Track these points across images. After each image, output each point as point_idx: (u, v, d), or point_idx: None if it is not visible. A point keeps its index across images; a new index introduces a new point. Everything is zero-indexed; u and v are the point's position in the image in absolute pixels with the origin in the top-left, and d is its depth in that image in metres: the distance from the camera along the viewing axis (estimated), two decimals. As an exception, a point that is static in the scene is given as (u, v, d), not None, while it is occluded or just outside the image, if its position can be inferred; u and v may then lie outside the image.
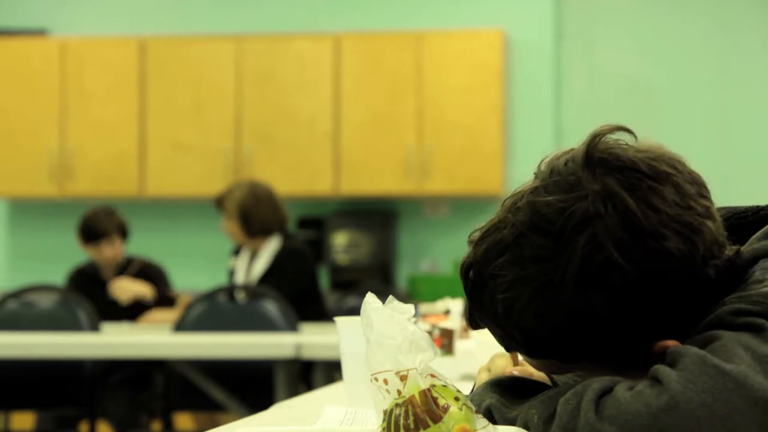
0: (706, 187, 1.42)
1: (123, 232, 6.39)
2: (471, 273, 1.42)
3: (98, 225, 6.29)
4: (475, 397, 1.44)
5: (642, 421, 1.26)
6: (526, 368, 1.58)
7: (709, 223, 1.39)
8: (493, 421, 1.37)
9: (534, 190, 1.39)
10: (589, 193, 1.36)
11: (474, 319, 1.46)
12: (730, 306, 1.36)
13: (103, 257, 6.32)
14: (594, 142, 1.39)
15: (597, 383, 1.32)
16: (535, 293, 1.37)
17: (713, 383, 1.26)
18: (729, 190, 7.26)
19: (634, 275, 1.35)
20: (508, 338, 1.42)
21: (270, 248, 6.07)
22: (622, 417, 1.27)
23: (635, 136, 1.41)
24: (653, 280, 1.35)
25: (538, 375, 1.57)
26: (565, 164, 1.40)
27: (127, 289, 6.19)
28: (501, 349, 1.53)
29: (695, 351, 1.30)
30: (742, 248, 1.45)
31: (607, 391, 1.31)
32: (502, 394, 1.42)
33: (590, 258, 1.35)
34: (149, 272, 6.45)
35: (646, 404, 1.26)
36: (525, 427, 1.35)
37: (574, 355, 1.41)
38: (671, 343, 1.38)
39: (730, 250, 1.44)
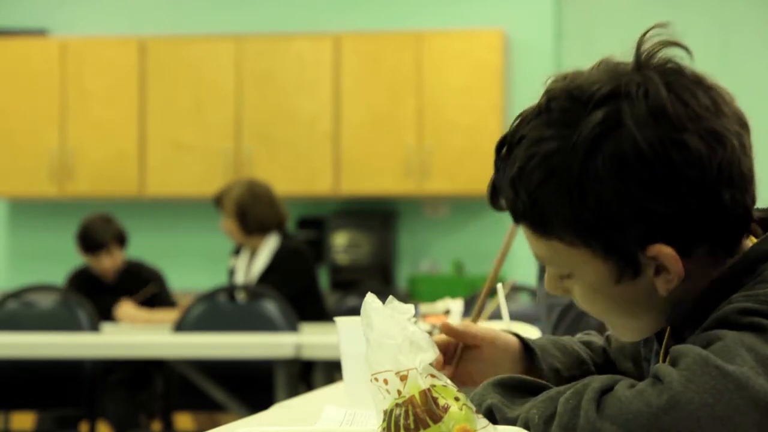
0: (746, 124, 1.44)
1: (121, 241, 6.38)
2: (504, 141, 1.46)
3: (96, 236, 6.28)
4: (476, 396, 1.43)
5: (643, 420, 1.25)
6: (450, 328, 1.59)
7: (737, 146, 1.40)
8: (494, 420, 1.37)
9: (581, 71, 1.46)
10: (626, 76, 1.41)
11: (495, 193, 1.48)
12: (737, 304, 1.35)
13: (101, 267, 6.33)
14: (650, 49, 1.45)
15: (597, 382, 1.32)
16: (549, 153, 1.40)
17: (714, 383, 1.26)
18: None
19: (646, 154, 1.37)
20: (517, 204, 1.44)
21: (269, 247, 6.06)
22: (622, 416, 1.26)
23: (690, 54, 1.47)
24: (664, 167, 1.37)
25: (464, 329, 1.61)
26: (617, 61, 1.47)
27: (132, 316, 6.18)
28: None
29: (698, 351, 1.29)
30: (755, 244, 1.45)
31: (607, 390, 1.30)
32: (504, 394, 1.42)
33: (608, 127, 1.38)
34: (147, 277, 6.44)
35: (647, 403, 1.26)
36: (525, 427, 1.35)
37: (570, 232, 1.41)
38: (666, 249, 1.39)
39: (749, 242, 1.45)
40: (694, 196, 1.38)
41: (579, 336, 1.81)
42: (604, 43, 8.76)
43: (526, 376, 1.46)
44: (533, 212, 1.43)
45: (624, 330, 1.53)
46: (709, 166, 1.38)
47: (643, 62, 1.43)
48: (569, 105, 1.41)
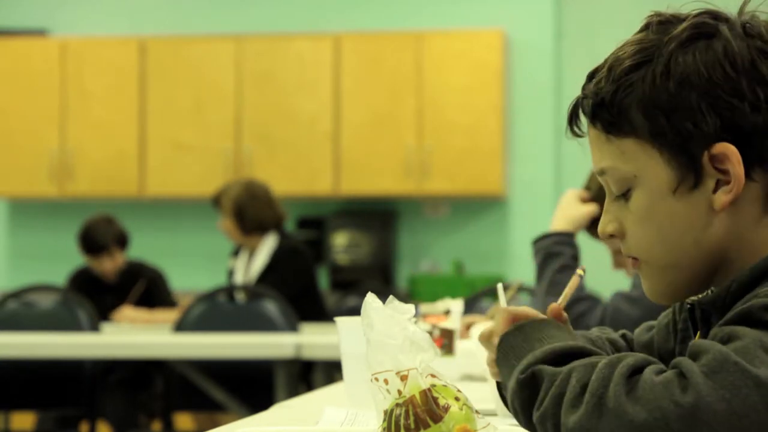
0: None
1: (122, 242, 6.39)
2: (599, 66, 1.53)
3: (97, 238, 6.29)
4: (524, 362, 1.41)
5: (664, 411, 1.28)
6: (517, 309, 1.56)
7: None
8: (537, 385, 1.37)
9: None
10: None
11: (575, 113, 1.53)
12: (762, 300, 1.36)
13: (102, 269, 6.34)
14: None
15: (632, 358, 1.33)
16: (645, 46, 1.48)
17: (733, 380, 1.28)
18: None
19: (736, 55, 1.44)
20: (599, 96, 1.49)
21: (267, 247, 6.06)
22: (648, 403, 1.29)
23: None
24: (749, 71, 1.44)
25: (532, 313, 1.57)
26: None
27: (132, 318, 6.18)
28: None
29: (718, 348, 1.31)
30: None
31: (638, 370, 1.32)
32: (552, 361, 1.40)
33: (705, 30, 1.46)
34: (148, 277, 6.44)
35: (671, 394, 1.28)
36: (561, 389, 1.34)
37: (644, 124, 1.46)
38: (732, 148, 1.43)
39: None
40: (761, 114, 1.43)
41: (598, 334, 1.81)
42: (605, 43, 8.75)
43: (576, 343, 1.44)
44: (613, 103, 1.47)
45: (661, 276, 1.52)
46: None
47: (743, 11, 1.51)
48: (671, 17, 1.51)
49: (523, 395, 1.37)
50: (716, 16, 1.48)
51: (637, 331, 1.80)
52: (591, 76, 1.53)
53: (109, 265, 6.32)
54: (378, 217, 8.81)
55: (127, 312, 6.17)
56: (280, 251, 6.05)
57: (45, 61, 8.89)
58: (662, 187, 1.46)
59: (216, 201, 6.21)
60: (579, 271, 1.66)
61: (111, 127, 8.83)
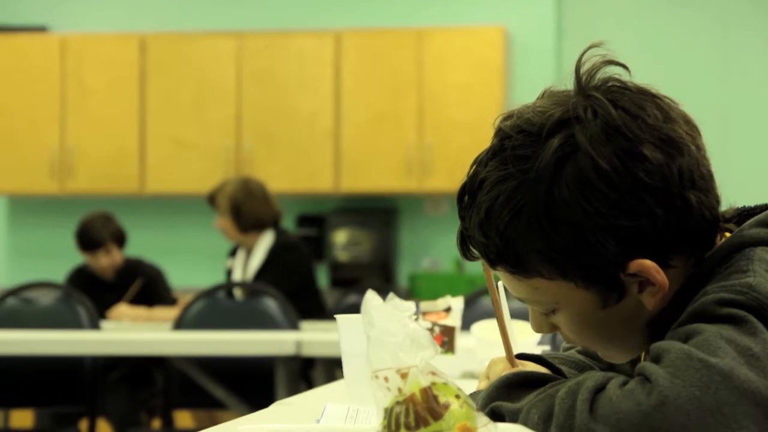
0: (696, 127, 1.46)
1: (120, 240, 6.37)
2: (464, 190, 1.46)
3: (94, 235, 6.27)
4: (482, 397, 1.44)
5: (633, 420, 1.27)
6: (525, 366, 1.58)
7: (693, 150, 1.42)
8: (500, 419, 1.37)
9: (526, 105, 1.45)
10: (572, 101, 1.41)
11: (465, 243, 1.48)
12: (713, 295, 1.36)
13: (99, 266, 6.32)
14: (588, 71, 1.44)
15: (591, 381, 1.33)
16: (513, 191, 1.40)
17: (699, 376, 1.27)
18: (729, 188, 7.22)
19: (607, 171, 1.37)
20: (490, 248, 1.44)
21: (264, 244, 6.05)
22: (614, 416, 1.27)
23: (628, 70, 1.46)
24: (626, 181, 1.38)
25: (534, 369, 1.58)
26: (558, 90, 1.46)
27: (131, 315, 6.17)
28: (500, 350, 1.52)
29: (679, 346, 1.30)
30: (728, 237, 1.46)
31: (600, 389, 1.31)
32: (509, 392, 1.43)
33: (565, 152, 1.39)
34: (147, 274, 6.43)
35: (637, 402, 1.27)
36: (525, 423, 1.35)
37: (548, 266, 1.41)
38: (646, 262, 1.40)
39: (723, 234, 1.46)
40: (660, 206, 1.39)
41: (571, 345, 1.81)
42: (606, 40, 8.75)
43: (531, 371, 1.46)
44: (508, 253, 1.43)
45: (618, 353, 1.54)
46: (670, 173, 1.39)
47: (584, 85, 1.44)
48: (523, 139, 1.41)
49: None
50: (567, 120, 1.41)
51: None
52: (463, 200, 1.46)
53: (106, 261, 6.30)
54: (378, 214, 8.81)
55: (124, 309, 6.16)
56: (277, 247, 6.04)
57: (45, 58, 8.88)
58: (588, 308, 1.45)
59: (211, 199, 6.19)
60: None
61: (111, 125, 8.83)
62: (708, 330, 1.31)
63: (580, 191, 1.38)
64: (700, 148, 1.44)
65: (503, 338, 1.71)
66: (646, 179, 1.38)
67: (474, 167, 1.45)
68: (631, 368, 1.72)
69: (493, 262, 1.46)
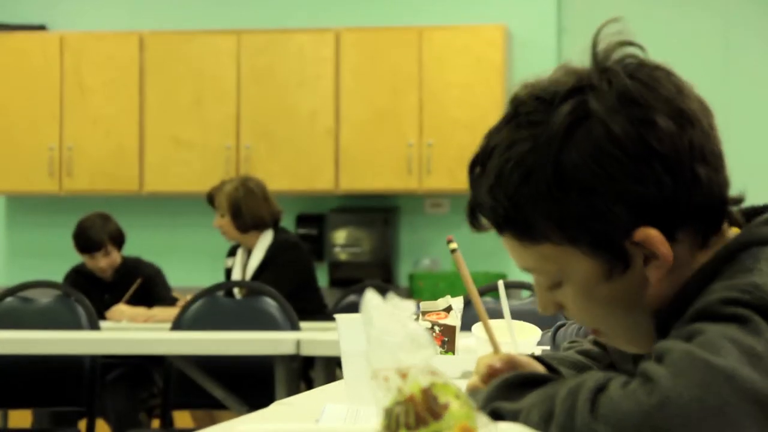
0: (709, 109, 1.46)
1: (118, 240, 6.35)
2: (476, 160, 1.47)
3: (92, 236, 6.25)
4: (482, 397, 1.43)
5: (634, 420, 1.26)
6: (511, 358, 1.59)
7: (706, 126, 1.43)
8: (501, 419, 1.37)
9: (541, 77, 1.47)
10: (588, 72, 1.43)
11: (474, 213, 1.48)
12: (718, 294, 1.35)
13: (98, 267, 6.30)
14: (604, 49, 1.46)
15: (592, 381, 1.32)
16: (524, 154, 1.41)
17: (702, 376, 1.26)
18: (730, 188, 7.21)
19: (618, 136, 1.38)
20: (499, 212, 1.44)
21: (264, 244, 6.04)
22: (615, 416, 1.27)
23: (644, 50, 1.47)
24: (637, 146, 1.38)
25: (525, 361, 1.58)
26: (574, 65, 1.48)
27: (131, 315, 6.16)
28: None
29: (682, 346, 1.29)
30: (737, 235, 1.46)
31: (601, 389, 1.30)
32: (509, 393, 1.42)
33: (578, 117, 1.39)
34: (146, 273, 6.42)
35: (638, 402, 1.26)
36: (525, 422, 1.34)
37: (555, 230, 1.42)
38: (651, 231, 1.39)
39: (730, 231, 1.46)
40: (669, 174, 1.39)
41: (570, 345, 1.80)
42: (606, 38, 8.75)
43: (530, 372, 1.46)
44: (516, 217, 1.43)
45: (624, 338, 1.52)
46: (681, 144, 1.40)
47: (600, 60, 1.45)
48: (536, 105, 1.42)
49: None
50: (581, 87, 1.42)
51: None
52: (474, 168, 1.47)
53: (105, 262, 6.29)
54: (378, 213, 8.80)
55: (123, 309, 6.15)
56: (277, 247, 6.03)
57: (44, 57, 8.87)
58: (594, 278, 1.45)
59: (211, 199, 6.18)
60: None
61: (110, 123, 8.82)
62: (711, 329, 1.30)
63: (591, 155, 1.39)
64: (712, 127, 1.44)
65: (484, 324, 1.71)
66: (657, 146, 1.39)
67: (487, 137, 1.47)
68: (633, 367, 1.71)
69: (501, 227, 1.46)
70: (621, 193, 1.39)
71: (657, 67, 1.45)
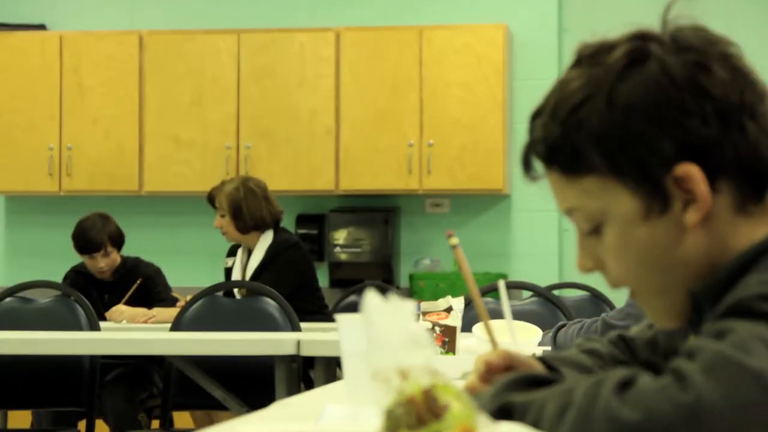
0: (765, 86, 1.51)
1: (118, 241, 6.34)
2: (538, 106, 1.52)
3: (92, 237, 6.24)
4: (488, 396, 1.43)
5: (668, 413, 1.26)
6: (508, 353, 1.60)
7: (759, 90, 1.48)
8: (509, 418, 1.36)
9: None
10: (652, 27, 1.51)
11: (528, 157, 1.53)
12: (753, 290, 1.35)
13: (97, 267, 6.29)
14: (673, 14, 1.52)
15: (617, 375, 1.32)
16: (581, 86, 1.46)
17: (731, 376, 1.26)
18: None
19: (674, 74, 1.43)
20: (549, 140, 1.48)
21: (264, 244, 6.03)
22: (645, 404, 1.27)
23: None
24: (690, 85, 1.43)
25: (523, 357, 1.59)
26: None
27: (131, 315, 6.15)
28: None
29: (714, 345, 1.29)
30: None
31: (629, 382, 1.30)
32: (517, 390, 1.42)
33: (636, 57, 1.46)
34: (145, 273, 6.41)
35: (671, 397, 1.26)
36: (539, 414, 1.34)
37: (601, 160, 1.45)
38: (694, 169, 1.42)
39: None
40: (718, 116, 1.42)
41: (580, 343, 1.79)
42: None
43: (537, 373, 1.45)
44: (565, 144, 1.46)
45: (657, 303, 1.52)
46: (733, 94, 1.44)
47: (667, 18, 1.51)
48: (597, 49, 1.49)
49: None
50: (645, 36, 1.48)
51: (636, 329, 1.78)
52: (534, 117, 1.52)
53: (104, 263, 6.28)
54: (379, 213, 8.79)
55: (122, 309, 6.14)
56: (276, 246, 6.02)
57: (43, 57, 8.87)
58: (632, 217, 1.46)
59: (211, 199, 6.17)
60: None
61: (110, 123, 8.82)
62: (743, 328, 1.31)
63: (644, 86, 1.43)
64: (766, 95, 1.49)
65: (482, 319, 1.71)
66: (710, 88, 1.43)
67: (550, 88, 1.52)
68: (663, 361, 1.70)
69: (549, 160, 1.50)
70: (668, 123, 1.42)
71: (721, 36, 1.51)
